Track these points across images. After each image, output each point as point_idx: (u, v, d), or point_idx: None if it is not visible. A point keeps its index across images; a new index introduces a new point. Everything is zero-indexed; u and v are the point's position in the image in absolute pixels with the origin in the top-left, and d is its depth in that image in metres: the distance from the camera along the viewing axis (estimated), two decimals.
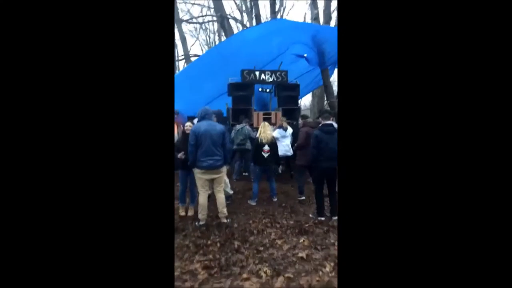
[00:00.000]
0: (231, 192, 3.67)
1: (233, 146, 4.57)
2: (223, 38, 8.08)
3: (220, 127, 2.81)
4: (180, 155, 2.99)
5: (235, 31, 8.44)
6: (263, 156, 3.48)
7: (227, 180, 3.58)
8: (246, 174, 4.99)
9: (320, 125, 3.08)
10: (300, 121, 4.20)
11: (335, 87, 9.03)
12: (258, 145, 3.52)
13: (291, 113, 5.84)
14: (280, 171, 5.12)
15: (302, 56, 6.18)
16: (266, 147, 3.47)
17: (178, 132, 4.50)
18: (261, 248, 2.42)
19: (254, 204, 3.61)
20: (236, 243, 2.50)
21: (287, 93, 5.91)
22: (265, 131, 3.53)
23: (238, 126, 4.63)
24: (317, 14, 6.78)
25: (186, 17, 11.31)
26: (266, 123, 3.72)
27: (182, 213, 3.22)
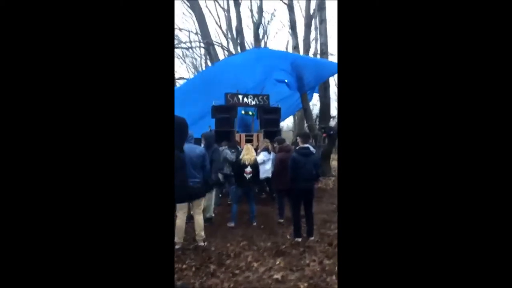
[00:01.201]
0: (212, 215, 3.66)
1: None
2: (209, 63, 8.38)
3: (200, 149, 2.88)
4: None
5: (221, 56, 8.80)
6: (245, 178, 3.54)
7: (212, 203, 3.59)
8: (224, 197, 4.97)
9: (297, 148, 3.22)
10: (276, 145, 4.25)
11: (315, 111, 9.43)
12: (240, 166, 3.58)
13: (273, 135, 5.99)
14: (263, 194, 5.14)
15: (283, 81, 6.52)
16: (248, 169, 3.54)
17: None
18: (237, 271, 2.41)
19: (233, 225, 3.60)
20: (212, 267, 2.48)
21: (268, 116, 6.11)
22: (249, 153, 3.60)
23: (221, 148, 4.68)
24: (297, 43, 7.24)
25: (175, 41, 11.66)
26: (250, 145, 3.81)
27: None
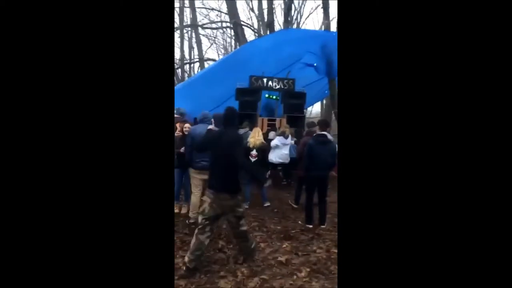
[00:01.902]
0: None
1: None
2: (238, 44, 8.30)
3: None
4: (177, 150, 3.12)
5: (249, 37, 8.66)
6: (250, 161, 3.54)
7: None
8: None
9: (314, 135, 3.14)
10: (306, 129, 4.19)
11: None
12: (246, 149, 3.60)
13: (296, 120, 5.90)
14: (267, 183, 5.11)
15: (312, 65, 6.26)
16: (254, 152, 3.54)
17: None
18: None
19: (246, 207, 3.69)
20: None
21: (293, 101, 5.97)
22: (255, 136, 3.58)
23: (241, 131, 4.72)
24: (328, 24, 6.84)
25: (205, 20, 11.69)
26: (258, 129, 3.79)
27: (176, 210, 3.36)
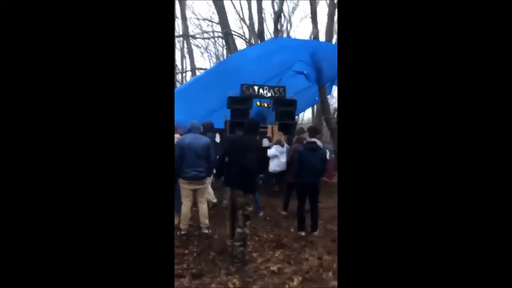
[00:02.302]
0: (215, 200, 3.74)
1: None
2: (229, 53, 8.40)
3: (204, 140, 2.94)
4: None
5: (240, 47, 8.77)
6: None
7: (211, 190, 3.66)
8: None
9: (305, 142, 3.17)
10: (295, 136, 4.23)
11: (335, 104, 9.12)
12: None
13: (288, 127, 5.94)
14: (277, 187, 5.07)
15: (302, 73, 6.36)
16: None
17: None
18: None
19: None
20: (212, 254, 2.56)
21: (284, 108, 6.02)
22: None
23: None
24: (317, 33, 6.99)
25: (197, 30, 11.80)
26: None
27: None
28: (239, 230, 2.33)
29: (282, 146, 4.44)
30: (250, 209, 2.34)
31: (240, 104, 5.88)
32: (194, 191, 2.98)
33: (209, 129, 3.80)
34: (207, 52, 14.13)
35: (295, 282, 2.08)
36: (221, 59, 13.91)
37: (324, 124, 7.08)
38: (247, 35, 10.90)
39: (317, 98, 6.80)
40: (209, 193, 3.60)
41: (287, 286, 2.05)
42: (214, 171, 2.90)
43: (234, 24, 14.98)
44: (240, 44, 9.38)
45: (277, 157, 4.19)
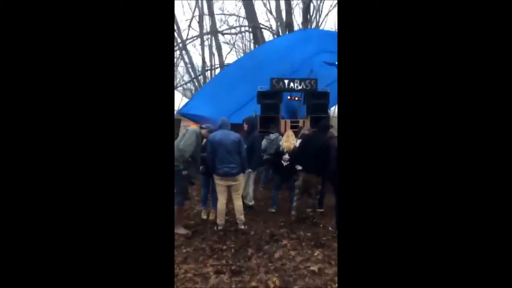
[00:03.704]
0: (251, 203, 3.71)
1: (264, 155, 4.61)
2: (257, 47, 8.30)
3: (234, 136, 2.92)
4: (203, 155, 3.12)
5: (268, 39, 8.62)
6: (283, 165, 3.48)
7: (251, 191, 3.64)
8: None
9: (334, 137, 3.02)
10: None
11: None
12: (278, 153, 3.54)
13: (320, 121, 5.73)
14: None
15: (333, 64, 6.06)
16: (286, 156, 3.47)
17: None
18: (275, 258, 2.44)
19: (273, 211, 3.62)
20: (250, 251, 2.55)
21: (316, 101, 5.82)
22: (288, 140, 3.53)
23: (272, 136, 4.64)
24: None
25: (224, 26, 11.84)
26: (291, 132, 3.72)
27: (204, 216, 3.38)
28: (311, 200, 3.27)
29: None
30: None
31: (270, 98, 5.79)
32: (229, 187, 2.99)
33: (254, 126, 3.77)
34: (235, 48, 14.16)
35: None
36: None
37: None
38: (274, 28, 10.71)
39: None
40: (248, 194, 3.59)
41: (329, 287, 1.97)
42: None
43: (261, 17, 14.76)
44: (268, 37, 9.22)
45: None
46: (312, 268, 2.24)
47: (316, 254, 2.49)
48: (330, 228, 3.07)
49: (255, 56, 5.98)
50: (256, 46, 8.15)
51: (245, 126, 3.62)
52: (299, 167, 3.24)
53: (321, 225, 3.20)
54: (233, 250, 2.57)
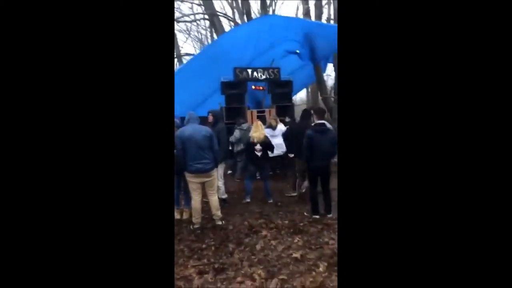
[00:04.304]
0: (224, 196, 3.65)
1: (236, 146, 4.55)
2: (215, 35, 7.99)
3: (205, 130, 2.79)
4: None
5: (226, 28, 8.36)
6: (256, 155, 3.48)
7: (221, 185, 3.57)
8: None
9: (313, 124, 3.08)
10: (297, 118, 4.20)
11: (330, 82, 9.01)
12: (250, 144, 3.51)
13: (285, 110, 5.83)
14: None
15: (294, 52, 6.14)
16: (258, 147, 3.47)
17: None
18: (257, 250, 2.43)
19: (248, 201, 3.62)
20: (231, 246, 2.51)
21: (280, 90, 5.88)
22: (257, 130, 3.53)
23: (244, 126, 4.60)
24: (308, 9, 6.72)
25: (177, 14, 11.15)
26: (259, 122, 3.71)
27: (177, 216, 3.22)
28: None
29: (274, 129, 4.39)
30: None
31: (234, 88, 5.68)
32: (202, 184, 2.88)
33: (219, 118, 3.66)
34: (190, 37, 13.49)
35: (321, 268, 2.07)
36: (206, 42, 13.35)
37: (322, 104, 6.99)
38: (230, 15, 10.41)
39: (312, 78, 6.63)
40: (220, 188, 3.50)
41: (314, 273, 2.03)
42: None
43: (216, 4, 14.20)
44: (226, 25, 8.94)
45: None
46: (294, 255, 2.28)
47: (296, 240, 2.55)
48: (305, 214, 3.17)
49: (217, 46, 5.75)
50: (214, 34, 7.85)
51: (210, 118, 3.52)
52: (291, 155, 3.50)
53: (297, 212, 3.29)
54: (213, 248, 2.50)
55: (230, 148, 4.61)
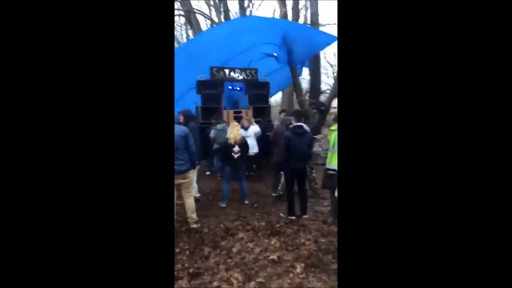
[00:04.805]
0: (198, 195, 3.56)
1: (214, 145, 4.46)
2: (191, 33, 7.79)
3: (181, 130, 2.68)
4: None
5: (203, 26, 8.20)
6: (233, 157, 3.43)
7: (195, 184, 3.47)
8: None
9: (291, 126, 3.10)
10: (282, 115, 4.21)
11: (305, 85, 9.22)
12: (227, 145, 3.46)
13: (262, 111, 5.84)
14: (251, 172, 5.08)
15: (272, 55, 6.19)
16: (236, 148, 3.42)
17: None
18: (233, 253, 2.38)
19: (224, 205, 3.55)
20: (206, 250, 2.43)
21: (257, 91, 5.90)
22: (234, 131, 3.48)
23: (219, 126, 4.51)
24: (286, 12, 6.82)
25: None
26: (236, 123, 3.67)
27: None
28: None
29: (246, 129, 4.40)
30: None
31: (211, 88, 5.58)
32: (178, 185, 2.76)
33: (190, 118, 3.55)
34: None
35: (298, 269, 2.08)
36: (181, 40, 12.97)
37: (297, 106, 7.12)
38: (207, 14, 10.22)
39: (289, 81, 6.73)
40: (193, 186, 3.39)
41: (291, 274, 2.03)
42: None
43: (193, 2, 13.88)
44: (203, 24, 8.74)
45: None
46: (271, 257, 2.27)
47: (273, 242, 2.54)
48: (281, 214, 3.18)
49: (194, 45, 5.61)
50: (191, 32, 7.66)
51: (181, 118, 3.41)
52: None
53: (273, 213, 3.29)
54: (188, 252, 2.40)
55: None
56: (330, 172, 2.22)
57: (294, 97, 7.38)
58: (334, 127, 2.27)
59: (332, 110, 2.33)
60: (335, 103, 2.31)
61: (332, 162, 2.23)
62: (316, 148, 2.51)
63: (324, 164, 2.52)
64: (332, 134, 2.29)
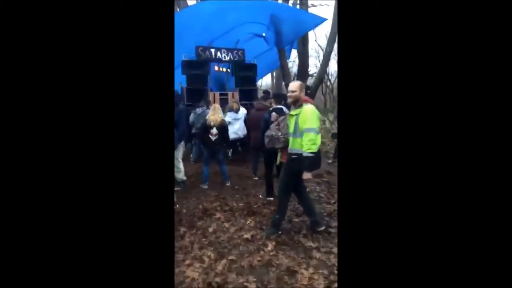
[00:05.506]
0: (184, 178, 3.56)
1: (192, 129, 4.40)
2: (177, 8, 7.44)
3: None
4: None
5: (190, 2, 7.84)
6: (211, 139, 3.42)
7: (181, 166, 3.46)
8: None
9: (271, 109, 3.08)
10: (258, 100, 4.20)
11: (294, 68, 9.07)
12: (206, 127, 3.43)
13: (249, 93, 5.76)
14: (230, 154, 5.10)
15: (260, 36, 6.02)
16: (214, 130, 3.40)
17: None
18: (209, 232, 2.43)
19: (206, 187, 3.57)
20: (182, 229, 2.47)
21: (244, 73, 5.78)
22: (214, 114, 3.44)
23: (198, 110, 4.42)
24: None
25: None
26: (217, 105, 3.63)
27: None
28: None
29: (236, 112, 4.36)
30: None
31: (196, 69, 5.42)
32: None
33: (177, 99, 3.49)
34: None
35: (269, 247, 2.14)
36: None
37: (285, 89, 7.04)
38: None
39: (277, 63, 6.60)
40: (179, 170, 3.39)
41: (262, 252, 2.10)
42: None
43: None
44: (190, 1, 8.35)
45: (231, 124, 4.15)
46: (245, 236, 2.33)
47: (248, 222, 2.59)
48: (260, 196, 3.23)
49: (177, 21, 5.37)
50: (177, 8, 7.32)
51: None
52: None
53: (253, 194, 3.34)
54: None
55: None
56: (293, 156, 2.24)
57: (282, 80, 7.28)
58: (294, 112, 2.25)
59: (289, 94, 2.28)
60: (293, 86, 2.25)
61: (294, 147, 2.23)
62: (275, 132, 2.49)
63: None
64: (291, 119, 2.28)
